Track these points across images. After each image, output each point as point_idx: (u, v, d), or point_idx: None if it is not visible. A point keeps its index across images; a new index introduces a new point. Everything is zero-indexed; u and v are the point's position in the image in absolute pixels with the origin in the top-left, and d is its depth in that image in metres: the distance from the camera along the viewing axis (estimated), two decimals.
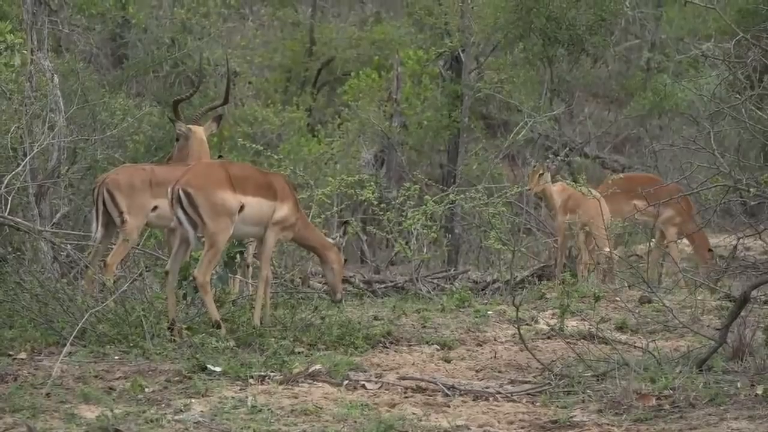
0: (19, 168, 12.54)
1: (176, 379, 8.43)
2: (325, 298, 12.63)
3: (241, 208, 9.94)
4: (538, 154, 20.73)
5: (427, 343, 10.33)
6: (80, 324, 9.23)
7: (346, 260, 11.00)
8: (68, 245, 12.18)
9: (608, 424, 7.52)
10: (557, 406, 7.99)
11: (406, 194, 14.05)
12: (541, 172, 14.70)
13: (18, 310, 10.10)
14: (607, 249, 13.89)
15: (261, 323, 10.05)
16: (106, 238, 11.42)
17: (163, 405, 7.73)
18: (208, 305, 9.80)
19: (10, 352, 9.21)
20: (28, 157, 12.61)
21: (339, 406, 7.84)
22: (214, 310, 9.81)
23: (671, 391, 7.98)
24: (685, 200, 14.25)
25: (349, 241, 11.03)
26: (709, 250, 14.83)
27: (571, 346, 9.66)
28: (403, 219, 14.13)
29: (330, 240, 10.80)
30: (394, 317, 11.39)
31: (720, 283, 13.39)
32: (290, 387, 8.32)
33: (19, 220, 12.27)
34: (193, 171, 10.01)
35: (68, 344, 8.89)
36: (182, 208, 9.78)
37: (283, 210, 10.24)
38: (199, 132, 12.00)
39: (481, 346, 10.37)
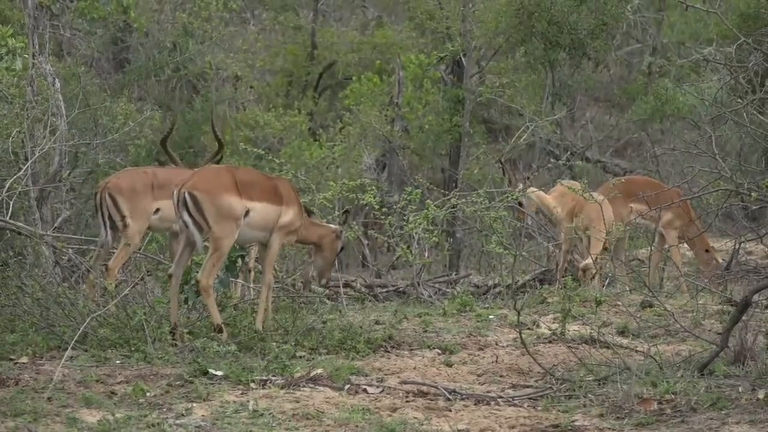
0: (21, 172, 12.55)
1: (178, 383, 8.43)
2: (326, 302, 12.64)
3: (247, 213, 9.94)
4: (539, 159, 20.75)
5: (428, 347, 10.32)
6: (82, 328, 9.23)
7: (343, 248, 11.02)
8: (70, 249, 12.18)
9: (610, 429, 7.52)
10: (559, 411, 7.99)
11: (408, 198, 14.05)
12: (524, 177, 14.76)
13: (19, 314, 10.10)
14: (595, 254, 13.85)
15: (263, 327, 10.05)
16: (108, 242, 11.44)
17: (165, 409, 7.72)
18: (211, 309, 9.79)
19: (12, 357, 9.21)
20: (29, 162, 12.62)
21: (340, 410, 7.84)
22: (217, 314, 9.81)
23: (673, 396, 7.98)
24: (684, 204, 14.24)
25: (350, 241, 11.02)
26: (706, 251, 14.80)
27: (573, 350, 9.67)
28: (404, 223, 14.12)
29: (331, 227, 10.81)
30: (396, 321, 11.38)
31: (721, 288, 13.40)
32: (292, 391, 8.31)
33: (20, 224, 12.28)
34: (199, 175, 10.00)
35: (70, 348, 8.89)
36: (188, 211, 9.78)
37: (289, 215, 10.25)
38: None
39: (482, 350, 10.36)
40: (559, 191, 14.92)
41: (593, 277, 13.87)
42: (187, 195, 9.76)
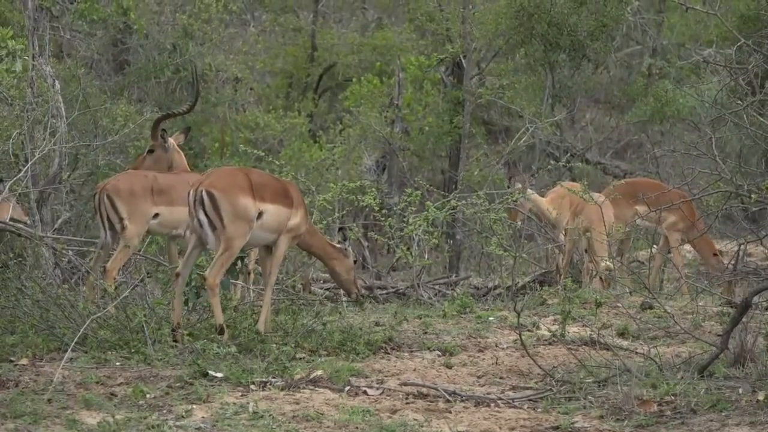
0: (21, 174, 12.55)
1: (178, 385, 8.43)
2: (326, 303, 12.65)
3: (260, 214, 9.96)
4: (539, 160, 20.75)
5: (428, 349, 10.32)
6: (81, 330, 9.23)
7: (356, 261, 11.08)
8: (69, 251, 12.18)
9: (610, 430, 7.52)
10: (559, 412, 7.99)
11: (408, 200, 14.05)
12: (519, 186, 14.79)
13: (19, 315, 10.09)
14: (602, 255, 13.87)
15: (263, 329, 10.05)
16: (107, 244, 11.44)
17: (165, 411, 7.72)
18: (215, 308, 9.78)
19: (12, 358, 9.21)
20: (29, 163, 12.62)
21: (340, 412, 7.83)
22: (220, 314, 9.80)
23: (673, 397, 7.98)
24: (687, 205, 14.24)
25: (351, 245, 11.05)
26: (714, 254, 14.80)
27: (573, 352, 9.66)
28: (404, 225, 14.12)
29: (336, 245, 10.85)
30: (396, 323, 11.38)
31: (721, 290, 13.41)
32: (292, 393, 8.31)
33: (20, 226, 12.28)
34: (217, 174, 10.05)
35: (69, 350, 8.89)
36: (204, 210, 9.79)
37: (297, 217, 10.28)
38: (171, 140, 12.07)
39: (482, 352, 10.36)
40: (558, 193, 14.94)
41: (608, 276, 13.89)
42: (204, 194, 9.79)
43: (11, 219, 12.41)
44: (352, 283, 11.00)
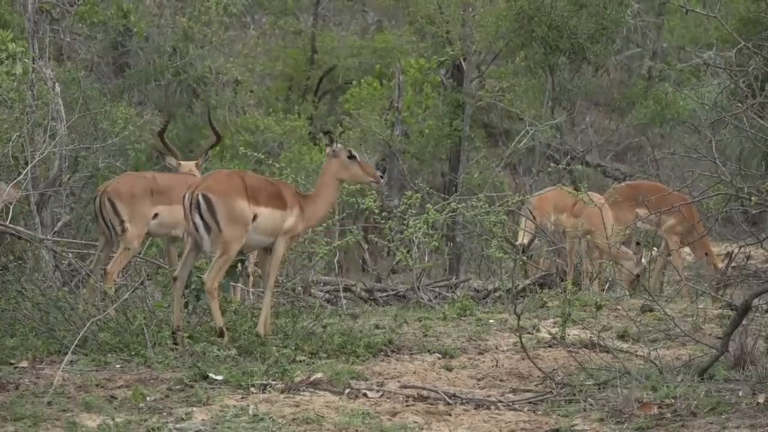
0: (21, 176, 12.54)
1: (178, 387, 8.43)
2: (326, 306, 12.64)
3: (255, 217, 9.96)
4: (539, 163, 20.75)
5: (428, 351, 10.32)
6: (82, 332, 9.22)
7: (351, 155, 10.69)
8: (70, 254, 12.18)
9: None
10: (559, 415, 7.99)
11: (408, 203, 14.04)
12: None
13: (19, 318, 10.09)
14: (606, 258, 13.90)
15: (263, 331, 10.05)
16: (108, 246, 11.44)
17: (165, 414, 7.72)
18: (214, 312, 9.78)
19: (12, 361, 9.20)
20: (29, 166, 12.61)
21: (340, 414, 7.83)
22: (220, 318, 9.80)
23: (673, 400, 7.98)
24: (688, 208, 14.25)
25: (350, 247, 11.00)
26: (706, 254, 14.81)
27: (573, 354, 9.66)
28: (404, 227, 14.12)
29: (327, 179, 10.58)
30: (396, 326, 11.38)
31: (720, 292, 13.41)
32: (292, 395, 8.31)
33: (20, 228, 12.27)
34: (213, 178, 10.05)
35: (70, 353, 8.88)
36: (199, 213, 9.79)
37: (292, 218, 10.27)
38: (186, 165, 12.31)
39: (482, 354, 10.36)
40: (545, 196, 14.98)
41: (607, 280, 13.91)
42: (200, 197, 9.78)
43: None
44: (351, 177, 10.72)
